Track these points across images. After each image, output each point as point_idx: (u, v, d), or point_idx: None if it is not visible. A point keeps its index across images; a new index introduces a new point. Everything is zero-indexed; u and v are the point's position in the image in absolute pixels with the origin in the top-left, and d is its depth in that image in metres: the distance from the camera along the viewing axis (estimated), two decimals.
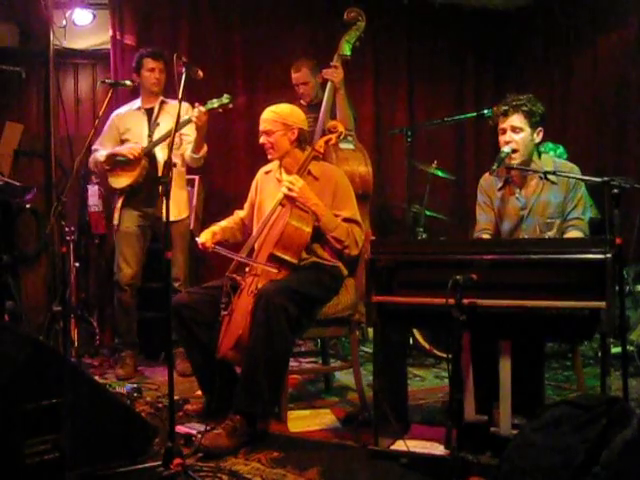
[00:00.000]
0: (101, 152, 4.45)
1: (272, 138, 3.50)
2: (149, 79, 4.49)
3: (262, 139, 3.54)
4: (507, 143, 3.27)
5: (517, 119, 3.27)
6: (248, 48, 5.84)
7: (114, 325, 4.60)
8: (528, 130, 3.28)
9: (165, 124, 4.43)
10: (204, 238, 3.48)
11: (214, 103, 4.03)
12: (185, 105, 4.47)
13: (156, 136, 4.40)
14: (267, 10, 5.86)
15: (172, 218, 4.35)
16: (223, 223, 3.67)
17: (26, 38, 5.46)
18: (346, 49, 4.53)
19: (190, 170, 4.75)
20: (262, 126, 3.54)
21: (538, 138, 3.33)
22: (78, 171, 4.21)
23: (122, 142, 4.47)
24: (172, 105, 4.53)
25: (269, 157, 3.59)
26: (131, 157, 4.30)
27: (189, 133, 4.39)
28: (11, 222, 5.04)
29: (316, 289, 3.32)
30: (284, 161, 3.59)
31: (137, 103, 4.58)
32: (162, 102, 4.54)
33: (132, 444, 2.72)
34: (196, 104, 4.06)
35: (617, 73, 5.48)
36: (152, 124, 4.47)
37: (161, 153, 4.38)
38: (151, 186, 4.36)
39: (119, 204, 4.47)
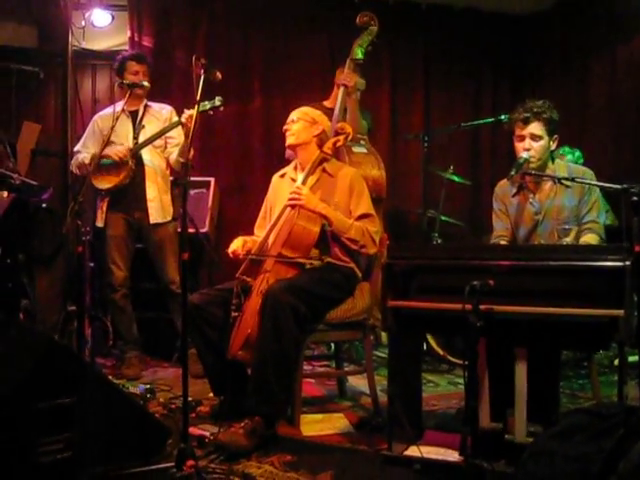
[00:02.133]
0: (84, 154, 4.44)
1: (296, 125, 3.59)
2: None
3: (286, 126, 3.62)
4: (526, 150, 3.26)
5: (537, 127, 3.26)
6: (265, 51, 5.86)
7: (114, 327, 4.64)
8: (546, 138, 3.28)
9: (151, 127, 4.45)
10: (235, 246, 3.50)
11: (206, 105, 4.01)
12: (169, 109, 4.49)
13: (141, 138, 4.41)
14: (285, 14, 5.88)
15: (159, 220, 4.44)
16: (252, 237, 3.67)
17: (45, 39, 5.50)
18: (358, 53, 4.54)
19: (206, 171, 4.77)
20: (291, 116, 3.64)
21: (554, 145, 3.34)
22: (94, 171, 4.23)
23: (106, 144, 4.42)
24: (156, 109, 4.56)
25: (287, 142, 3.62)
26: (117, 159, 4.29)
27: (174, 136, 4.42)
28: (27, 221, 5.05)
29: (324, 288, 3.32)
30: (300, 156, 3.63)
31: (120, 105, 4.53)
32: (146, 105, 4.55)
33: (145, 445, 2.71)
34: (185, 110, 4.05)
35: (636, 79, 5.43)
36: (137, 126, 4.47)
37: (148, 155, 4.42)
38: (137, 188, 4.39)
39: (104, 206, 4.47)
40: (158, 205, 4.44)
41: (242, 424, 2.97)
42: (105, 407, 2.59)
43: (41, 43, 5.50)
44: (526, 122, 3.27)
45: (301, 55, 5.90)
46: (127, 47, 5.50)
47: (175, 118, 4.41)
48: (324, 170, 3.56)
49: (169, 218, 4.51)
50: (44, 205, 5.03)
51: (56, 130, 5.56)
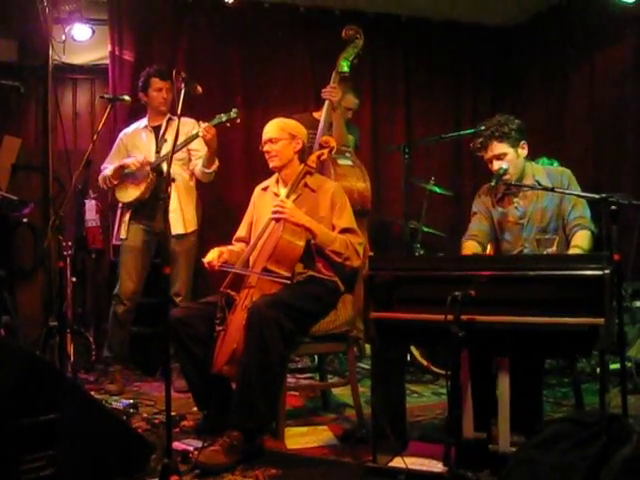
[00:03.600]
0: (109, 168, 4.48)
1: (277, 146, 3.55)
2: (157, 99, 4.53)
3: (267, 147, 3.58)
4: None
5: (496, 147, 3.32)
6: (247, 64, 5.87)
7: (107, 338, 4.61)
8: (511, 151, 3.32)
9: (173, 140, 4.44)
10: (211, 257, 3.47)
11: (222, 118, 4.07)
12: (191, 121, 4.51)
13: (164, 152, 4.43)
14: (266, 27, 5.89)
15: (180, 231, 4.43)
16: (229, 247, 3.66)
17: (25, 53, 5.48)
18: (344, 66, 4.55)
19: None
20: (267, 135, 3.59)
21: (524, 152, 3.37)
22: (76, 186, 4.21)
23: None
24: (179, 122, 4.55)
25: (271, 165, 3.60)
26: (134, 167, 4.34)
27: (199, 148, 4.43)
28: (8, 236, 5.03)
29: (310, 302, 3.32)
30: (283, 173, 3.62)
31: (144, 122, 4.63)
32: (169, 119, 4.59)
33: (128, 461, 2.69)
34: (200, 122, 4.11)
35: (614, 89, 5.50)
36: (160, 141, 4.51)
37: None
38: (157, 201, 4.39)
39: (127, 217, 4.50)
40: (179, 216, 4.45)
41: (220, 441, 2.95)
42: (87, 423, 2.58)
43: (21, 57, 5.48)
44: (484, 147, 3.32)
45: (282, 67, 5.93)
46: (107, 61, 5.49)
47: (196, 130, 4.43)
48: (306, 185, 3.55)
49: (190, 229, 4.52)
50: (25, 220, 5.02)
51: (37, 144, 5.54)
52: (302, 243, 3.31)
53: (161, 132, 4.54)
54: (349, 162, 4.59)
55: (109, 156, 4.63)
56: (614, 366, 3.59)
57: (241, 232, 3.78)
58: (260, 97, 5.86)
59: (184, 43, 5.71)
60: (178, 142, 4.32)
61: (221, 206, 5.63)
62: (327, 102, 4.56)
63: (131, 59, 5.52)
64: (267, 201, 3.65)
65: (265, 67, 5.89)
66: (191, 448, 3.03)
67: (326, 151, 3.61)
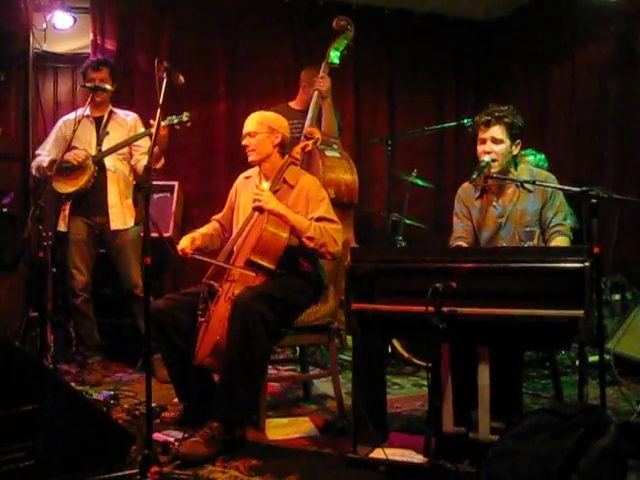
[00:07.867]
0: (43, 157, 4.41)
1: (255, 140, 3.53)
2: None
3: (245, 141, 3.56)
4: (487, 153, 3.30)
5: (498, 130, 3.29)
6: (230, 55, 5.85)
7: (76, 333, 4.59)
8: (508, 142, 3.31)
9: (115, 134, 4.43)
10: (184, 244, 3.47)
11: (173, 120, 4.00)
12: (134, 116, 4.49)
13: (105, 145, 4.39)
14: (249, 17, 5.87)
15: (120, 227, 4.42)
16: (202, 230, 3.65)
17: (5, 41, 5.41)
18: (334, 57, 4.53)
19: (170, 176, 4.75)
20: (246, 128, 3.57)
21: (516, 150, 3.36)
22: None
23: (69, 148, 4.35)
24: (121, 117, 4.55)
25: (250, 159, 3.58)
26: (75, 163, 4.27)
27: (142, 145, 4.39)
28: None
29: (293, 295, 3.33)
30: (263, 166, 3.60)
31: (86, 111, 4.51)
32: (111, 112, 4.54)
33: (109, 452, 2.68)
34: (151, 121, 4.05)
35: (595, 85, 5.54)
36: (101, 133, 4.45)
37: (111, 161, 4.40)
38: (99, 194, 4.37)
39: (67, 211, 4.43)
40: (119, 211, 4.42)
41: (200, 433, 2.95)
42: (67, 414, 2.56)
43: (1, 45, 5.41)
44: (487, 125, 3.30)
45: (265, 58, 5.90)
46: (89, 50, 5.44)
47: (140, 126, 4.40)
48: (284, 181, 3.51)
49: (130, 225, 4.47)
50: (5, 210, 4.97)
51: (17, 134, 5.48)
52: (286, 235, 3.30)
53: (102, 124, 4.47)
54: (337, 154, 4.58)
55: (45, 142, 4.54)
56: (593, 358, 3.62)
57: (220, 215, 3.79)
58: (243, 88, 5.84)
59: (167, 32, 5.67)
60: (124, 139, 4.32)
61: (204, 198, 5.61)
62: (316, 93, 4.54)
63: (113, 48, 5.48)
64: (248, 191, 3.64)
65: (248, 58, 5.86)
66: (172, 439, 3.02)
67: (311, 142, 3.60)
